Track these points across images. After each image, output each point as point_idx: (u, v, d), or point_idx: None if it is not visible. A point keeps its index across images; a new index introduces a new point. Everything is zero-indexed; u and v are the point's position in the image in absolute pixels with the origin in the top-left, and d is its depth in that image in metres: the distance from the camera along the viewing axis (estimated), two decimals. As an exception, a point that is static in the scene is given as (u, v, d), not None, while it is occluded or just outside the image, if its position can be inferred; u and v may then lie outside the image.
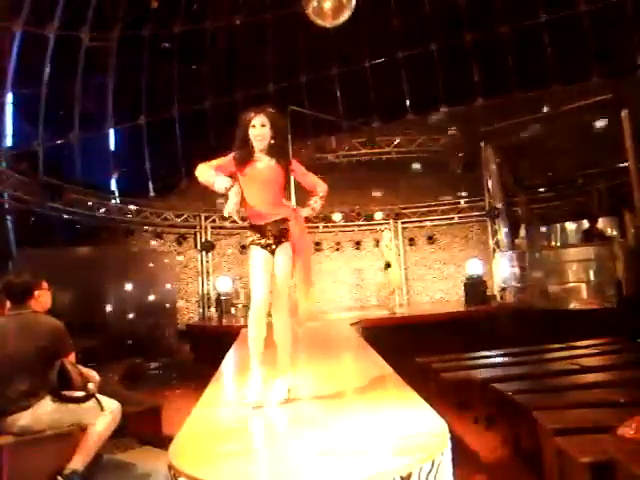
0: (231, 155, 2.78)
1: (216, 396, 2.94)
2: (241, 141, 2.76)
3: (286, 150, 2.91)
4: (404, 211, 13.59)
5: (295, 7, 11.34)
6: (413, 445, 1.81)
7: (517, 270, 10.34)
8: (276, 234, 2.76)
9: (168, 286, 11.67)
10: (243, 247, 12.43)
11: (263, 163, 2.75)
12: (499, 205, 11.75)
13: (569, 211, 11.60)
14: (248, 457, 1.99)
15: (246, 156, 2.74)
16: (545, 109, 11.07)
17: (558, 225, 10.74)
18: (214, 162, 2.75)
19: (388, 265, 9.47)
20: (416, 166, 13.30)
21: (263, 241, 2.76)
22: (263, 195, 2.76)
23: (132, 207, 12.22)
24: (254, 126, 2.72)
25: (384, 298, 10.49)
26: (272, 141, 2.75)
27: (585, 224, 10.15)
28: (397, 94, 14.40)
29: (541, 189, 12.35)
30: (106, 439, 3.00)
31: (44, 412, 2.79)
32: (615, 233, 9.96)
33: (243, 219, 2.95)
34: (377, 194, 13.79)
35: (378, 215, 13.36)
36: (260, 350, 2.73)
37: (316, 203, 2.89)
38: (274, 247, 2.76)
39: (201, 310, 12.66)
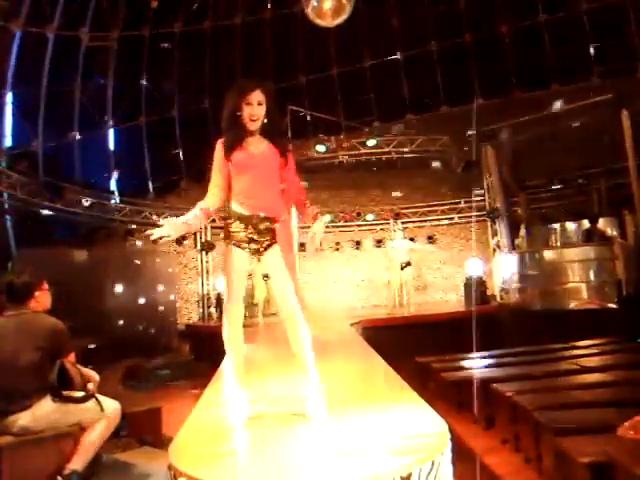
0: (219, 143, 2.33)
1: (216, 396, 2.94)
2: (230, 121, 2.29)
3: (283, 130, 2.39)
4: (404, 211, 13.59)
5: (295, 7, 11.36)
6: (413, 445, 1.81)
7: (517, 270, 10.34)
8: (262, 230, 2.30)
9: (168, 286, 11.66)
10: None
11: (257, 148, 2.33)
12: (499, 205, 11.74)
13: (569, 211, 11.58)
14: (248, 457, 1.99)
15: (237, 140, 2.29)
16: (545, 109, 11.07)
17: (558, 225, 10.72)
18: (214, 176, 2.33)
19: (408, 264, 9.59)
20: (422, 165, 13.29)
21: (244, 234, 2.29)
22: (257, 186, 2.31)
23: (131, 207, 12.22)
24: (249, 104, 2.25)
25: (394, 298, 10.44)
26: (265, 120, 2.30)
27: (585, 224, 10.14)
28: (397, 94, 14.40)
29: (541, 189, 12.34)
30: (106, 439, 2.99)
31: (44, 412, 2.79)
32: (615, 233, 9.95)
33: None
34: (376, 194, 13.80)
35: (377, 215, 13.39)
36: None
37: (314, 211, 2.45)
38: (258, 246, 2.32)
39: (201, 310, 12.65)
